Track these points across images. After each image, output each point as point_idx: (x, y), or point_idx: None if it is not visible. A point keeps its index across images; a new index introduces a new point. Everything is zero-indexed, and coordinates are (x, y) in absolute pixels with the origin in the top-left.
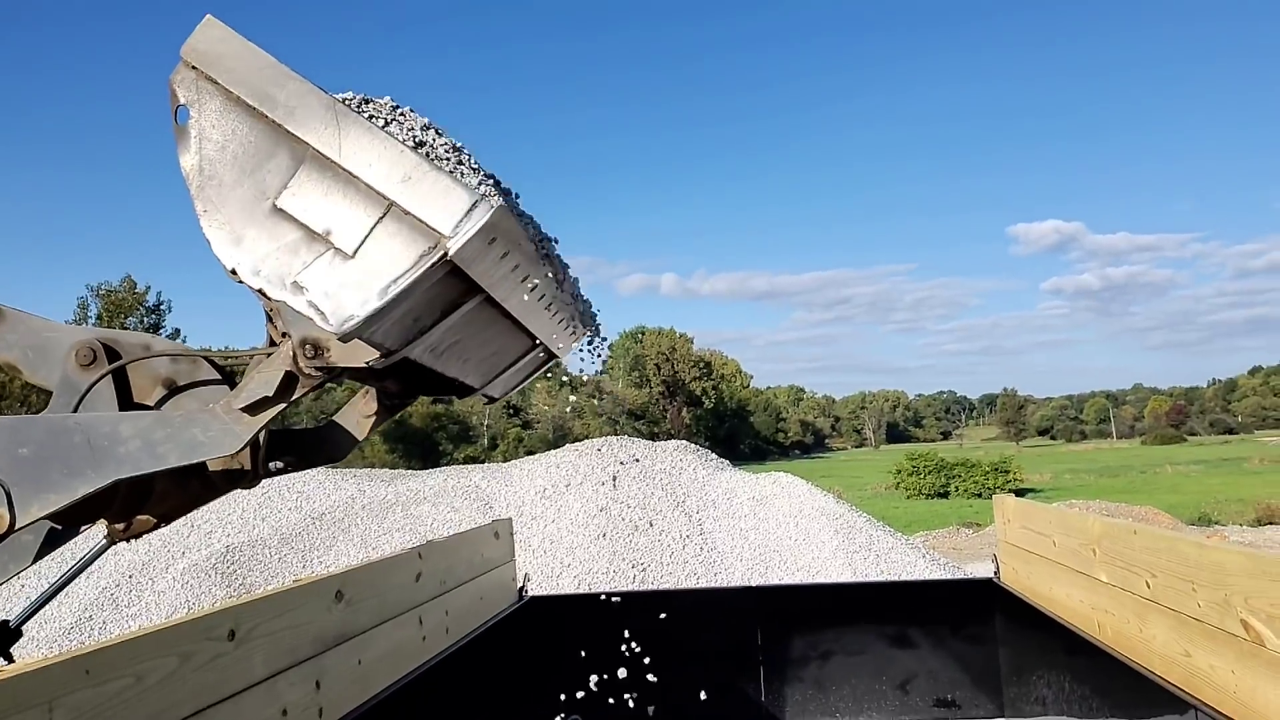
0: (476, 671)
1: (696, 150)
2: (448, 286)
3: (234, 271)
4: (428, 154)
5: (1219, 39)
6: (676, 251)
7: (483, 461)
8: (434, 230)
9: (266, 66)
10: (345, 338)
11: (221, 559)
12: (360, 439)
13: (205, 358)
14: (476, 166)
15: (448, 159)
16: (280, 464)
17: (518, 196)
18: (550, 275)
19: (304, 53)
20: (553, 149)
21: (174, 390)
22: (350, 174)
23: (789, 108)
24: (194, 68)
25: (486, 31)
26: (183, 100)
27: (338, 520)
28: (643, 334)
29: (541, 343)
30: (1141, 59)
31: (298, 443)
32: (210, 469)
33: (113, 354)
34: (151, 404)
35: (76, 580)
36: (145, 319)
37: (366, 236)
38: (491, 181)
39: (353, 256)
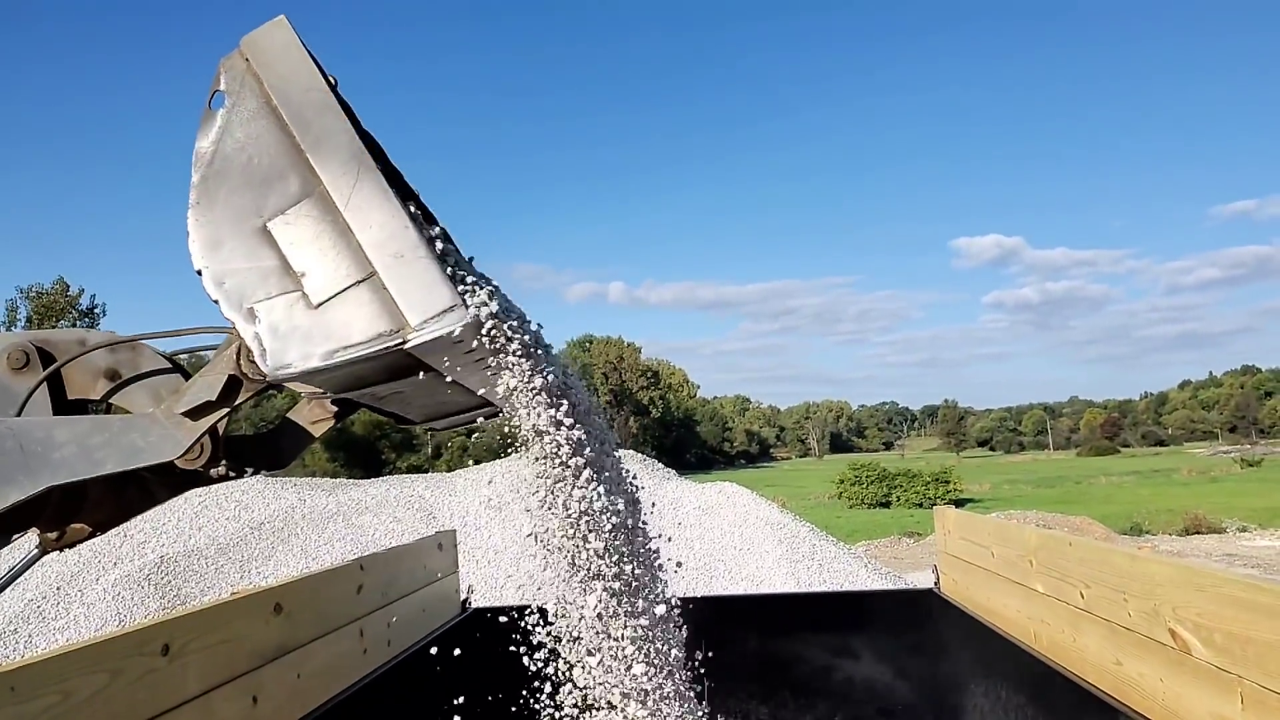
0: (418, 684)
1: (645, 160)
2: (401, 358)
3: (199, 272)
4: (438, 249)
5: (1157, 61)
6: (625, 260)
7: (426, 471)
8: (402, 316)
9: (314, 90)
10: (276, 379)
11: (155, 570)
12: (308, 445)
13: (144, 341)
14: (479, 276)
15: (449, 260)
16: (224, 470)
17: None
18: (523, 374)
19: None
20: (499, 157)
21: (120, 382)
22: (348, 226)
23: (735, 121)
24: (247, 60)
25: (432, 38)
26: (223, 86)
27: (277, 530)
28: (590, 343)
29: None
30: (1081, 77)
31: (242, 448)
32: (148, 474)
33: (46, 355)
34: (96, 398)
35: (3, 593)
36: (79, 322)
37: (337, 294)
38: (487, 290)
39: (315, 307)
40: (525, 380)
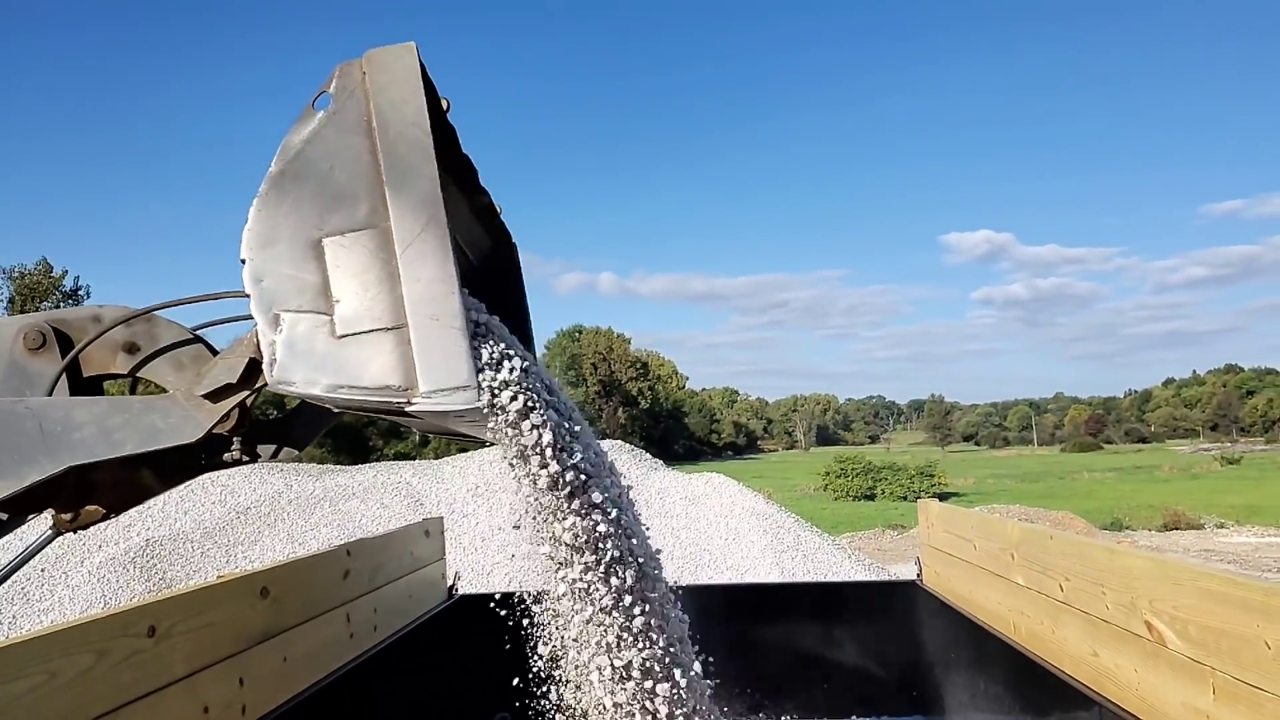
0: (405, 670)
1: (637, 152)
2: (400, 411)
3: (242, 261)
4: (478, 331)
5: (1151, 61)
6: (615, 251)
7: (414, 458)
8: (415, 377)
9: (417, 128)
10: (275, 391)
11: (141, 553)
12: (325, 427)
13: (159, 312)
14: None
15: (492, 338)
16: (238, 454)
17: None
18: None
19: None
20: (488, 148)
21: (144, 357)
22: (398, 272)
23: (729, 116)
24: (364, 74)
25: (421, 28)
26: (332, 90)
27: (263, 515)
28: (580, 333)
29: None
30: (1077, 76)
31: (257, 432)
32: (164, 457)
33: (61, 335)
34: (119, 372)
35: (17, 572)
36: (62, 304)
37: (360, 333)
38: (521, 369)
39: (337, 338)
40: (549, 478)
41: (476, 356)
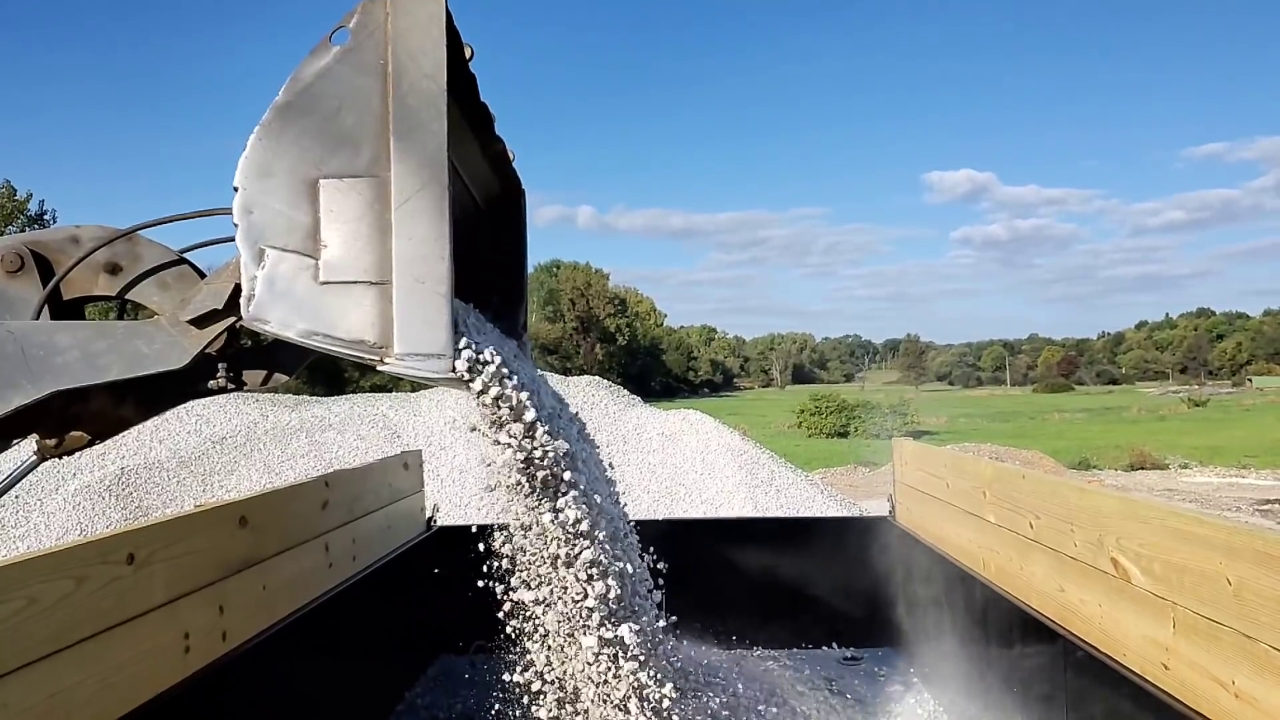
0: (383, 599)
1: (619, 82)
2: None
3: (235, 189)
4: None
5: (1136, 3)
6: (594, 185)
7: (390, 390)
8: (391, 336)
9: (432, 81)
10: (248, 326)
11: (116, 481)
12: (311, 356)
13: (141, 232)
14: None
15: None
16: (223, 381)
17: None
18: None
19: None
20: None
21: (128, 279)
22: (391, 226)
23: (710, 48)
24: (387, 14)
25: None
26: (351, 26)
27: (239, 445)
28: (558, 268)
29: None
30: (1064, 14)
31: (243, 359)
32: (149, 383)
33: (40, 258)
34: (101, 294)
35: (2, 497)
36: (29, 228)
37: (343, 283)
38: (494, 367)
39: (318, 283)
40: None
41: (457, 327)
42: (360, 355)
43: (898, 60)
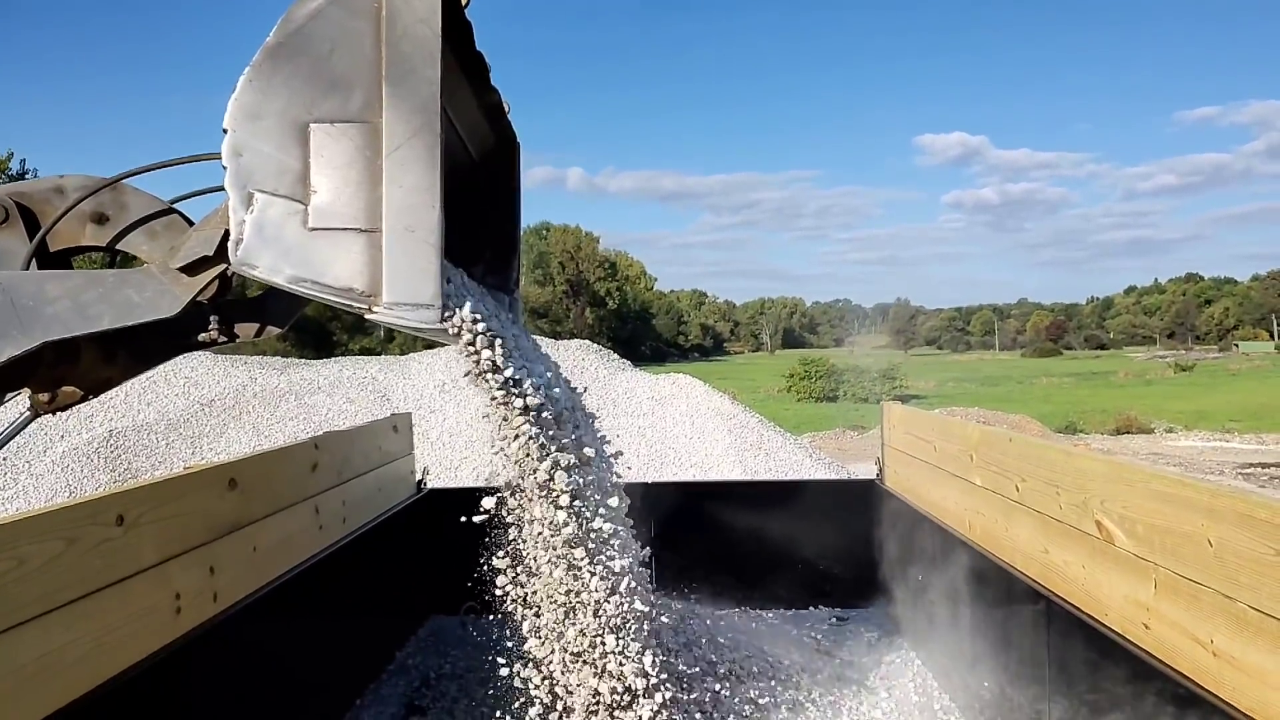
0: (374, 561)
1: (606, 44)
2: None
3: (224, 130)
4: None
5: None
6: (584, 146)
7: (379, 353)
8: (380, 285)
9: (427, 26)
10: (236, 271)
11: (105, 443)
12: (303, 307)
13: (127, 181)
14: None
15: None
16: (214, 334)
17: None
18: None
19: None
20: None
21: (116, 229)
22: (379, 173)
23: (702, 7)
24: None
25: None
26: None
27: (228, 407)
28: (548, 230)
29: None
30: None
31: (234, 311)
32: (142, 335)
33: (24, 209)
34: (89, 244)
35: None
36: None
37: (332, 229)
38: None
39: (307, 229)
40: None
41: (446, 277)
42: (348, 303)
43: (891, 22)
